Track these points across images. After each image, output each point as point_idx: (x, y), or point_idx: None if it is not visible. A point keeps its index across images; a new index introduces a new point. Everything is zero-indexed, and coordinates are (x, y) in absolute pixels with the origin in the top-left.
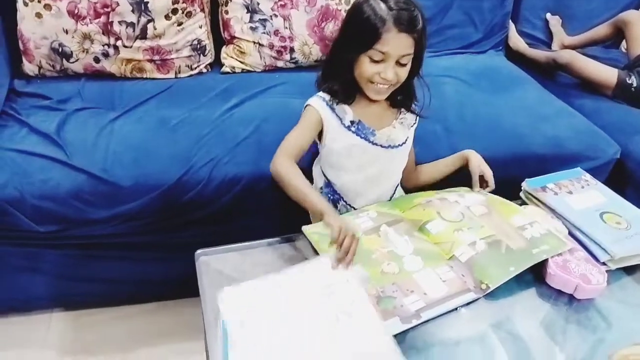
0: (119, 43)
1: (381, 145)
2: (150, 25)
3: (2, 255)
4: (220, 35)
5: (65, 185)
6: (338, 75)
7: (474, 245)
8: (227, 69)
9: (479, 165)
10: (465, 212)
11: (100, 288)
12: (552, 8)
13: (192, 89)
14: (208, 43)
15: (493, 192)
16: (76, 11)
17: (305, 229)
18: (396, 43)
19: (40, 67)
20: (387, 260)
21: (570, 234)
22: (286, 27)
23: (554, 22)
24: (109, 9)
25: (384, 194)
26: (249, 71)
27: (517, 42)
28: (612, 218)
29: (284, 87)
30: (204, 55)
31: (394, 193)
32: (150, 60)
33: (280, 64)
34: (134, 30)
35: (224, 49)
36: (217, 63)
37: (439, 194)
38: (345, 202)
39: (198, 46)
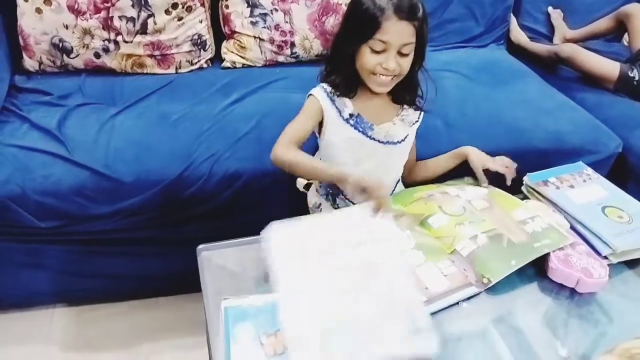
0: (119, 38)
1: (379, 141)
2: (150, 20)
3: (4, 251)
4: (220, 30)
5: (67, 181)
6: (340, 69)
7: (475, 239)
8: (228, 64)
9: (479, 160)
10: (467, 206)
11: (102, 283)
12: (553, 1)
13: (193, 84)
14: (208, 38)
15: (497, 185)
16: (76, 6)
17: None
18: (396, 31)
19: (40, 63)
20: None
21: (572, 227)
22: (287, 22)
23: (556, 15)
24: (109, 4)
25: None
26: (249, 66)
27: (518, 35)
28: (614, 212)
29: (284, 82)
30: (205, 50)
31: (395, 188)
32: (151, 56)
33: (281, 58)
34: (134, 26)
35: (224, 43)
36: (217, 58)
37: (440, 187)
38: (344, 196)
39: (198, 41)
